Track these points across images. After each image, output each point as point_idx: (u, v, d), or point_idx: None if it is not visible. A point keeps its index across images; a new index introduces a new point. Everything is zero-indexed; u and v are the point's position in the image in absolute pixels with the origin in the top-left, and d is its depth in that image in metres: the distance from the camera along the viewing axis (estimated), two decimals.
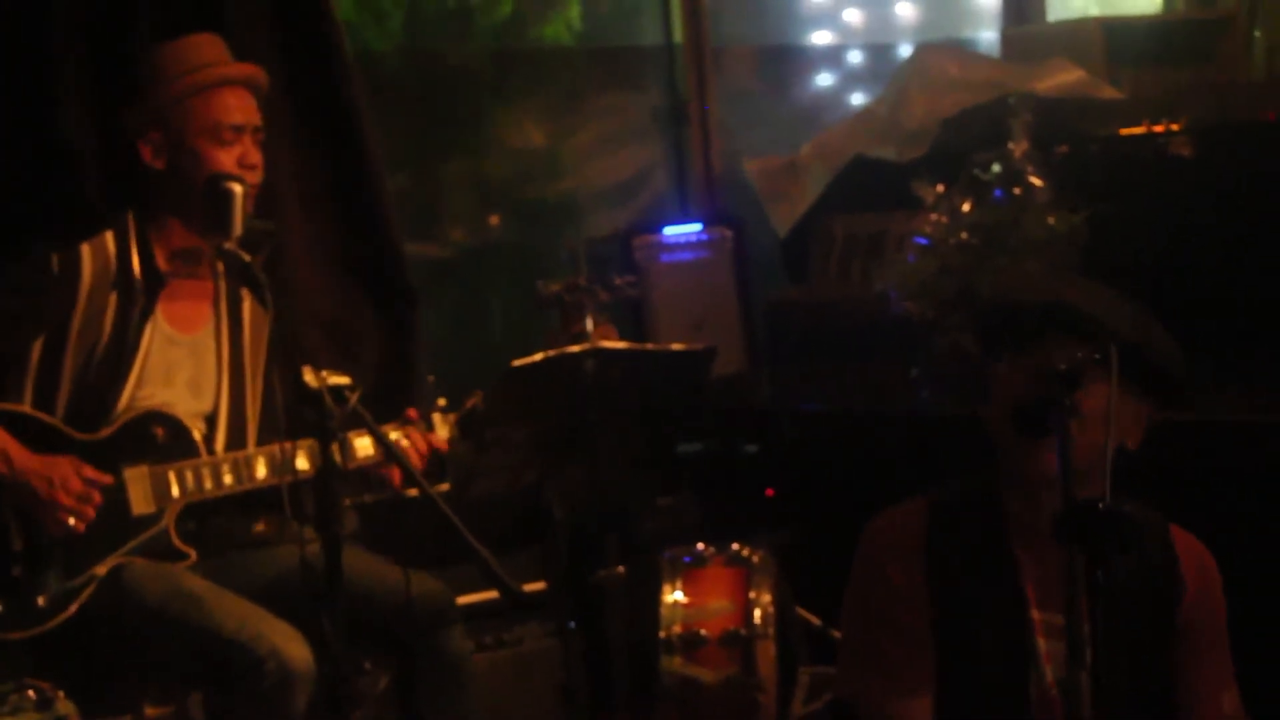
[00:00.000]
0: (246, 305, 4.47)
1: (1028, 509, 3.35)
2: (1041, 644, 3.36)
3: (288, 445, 4.13)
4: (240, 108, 4.36)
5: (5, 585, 4.05)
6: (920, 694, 3.38)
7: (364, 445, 4.32)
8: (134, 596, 4.12)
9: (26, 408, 4.19)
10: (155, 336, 4.31)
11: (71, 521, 4.06)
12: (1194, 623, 3.43)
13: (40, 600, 4.07)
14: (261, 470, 4.28)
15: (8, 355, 4.21)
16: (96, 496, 4.10)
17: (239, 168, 4.29)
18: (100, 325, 4.24)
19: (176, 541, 4.21)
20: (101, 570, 4.13)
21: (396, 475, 4.35)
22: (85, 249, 4.24)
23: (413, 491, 4.17)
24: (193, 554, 4.23)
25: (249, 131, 4.36)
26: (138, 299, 4.28)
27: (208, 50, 4.41)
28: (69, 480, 4.06)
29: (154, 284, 4.31)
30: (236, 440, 4.39)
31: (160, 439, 4.24)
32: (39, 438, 4.12)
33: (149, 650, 4.16)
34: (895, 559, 3.43)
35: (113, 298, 4.25)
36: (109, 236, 4.29)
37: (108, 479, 4.13)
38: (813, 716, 4.79)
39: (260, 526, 4.48)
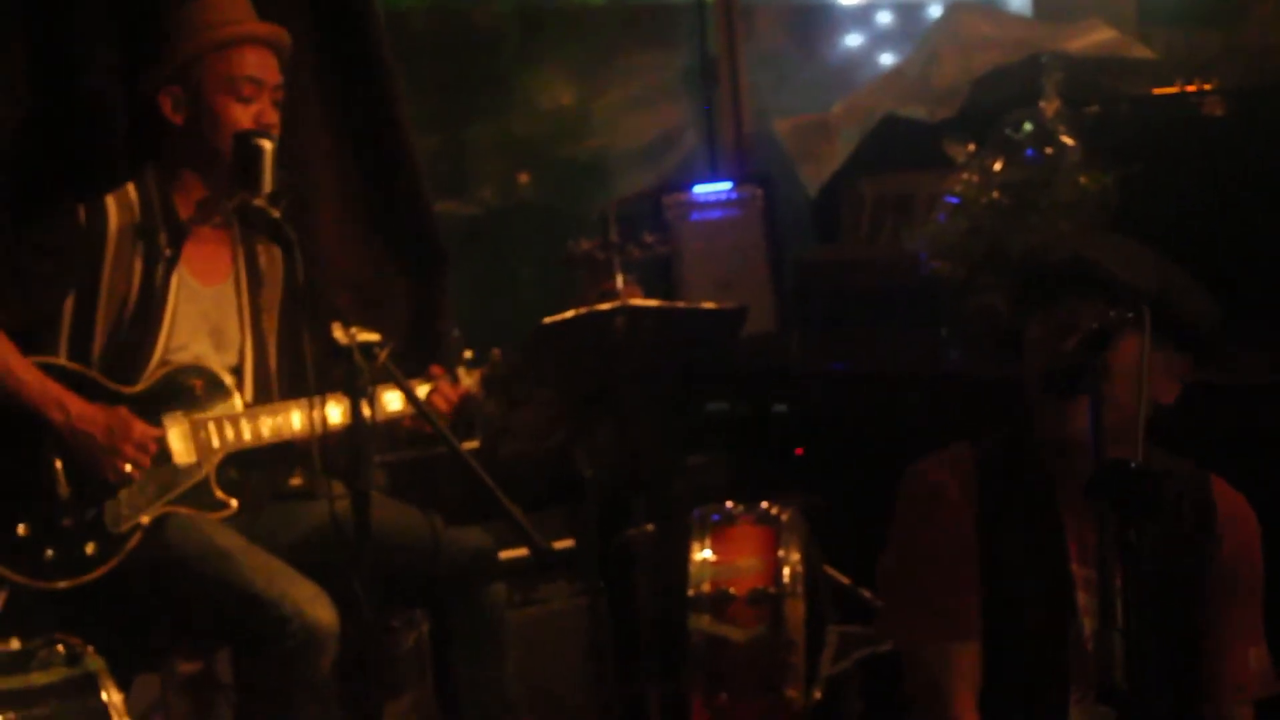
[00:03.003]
0: (264, 258, 4.48)
1: (1064, 467, 3.34)
2: (1081, 599, 3.36)
3: (320, 399, 4.13)
4: (259, 64, 4.35)
5: (55, 533, 4.08)
6: (968, 638, 3.38)
7: (393, 399, 4.33)
8: (171, 549, 4.14)
9: (63, 360, 4.20)
10: (181, 288, 4.32)
11: (129, 469, 4.09)
12: (1227, 575, 3.42)
13: (88, 548, 4.09)
14: (299, 422, 4.29)
15: (42, 315, 4.22)
16: (153, 446, 4.12)
17: (255, 126, 4.28)
18: (129, 277, 4.25)
19: (217, 491, 4.23)
20: (146, 519, 4.15)
21: (426, 427, 4.34)
22: (110, 200, 4.26)
23: (442, 449, 4.17)
24: (233, 504, 4.25)
25: (268, 89, 4.35)
26: (162, 249, 4.29)
27: (232, 8, 4.41)
28: (129, 427, 4.08)
29: (177, 234, 4.32)
30: (262, 392, 4.41)
31: (198, 391, 4.27)
32: (78, 391, 4.14)
33: (180, 603, 4.18)
34: (945, 503, 3.42)
35: (139, 248, 4.27)
36: (131, 187, 4.30)
37: (159, 431, 4.16)
38: (841, 675, 4.79)
39: (297, 479, 4.50)
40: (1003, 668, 3.38)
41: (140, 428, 4.12)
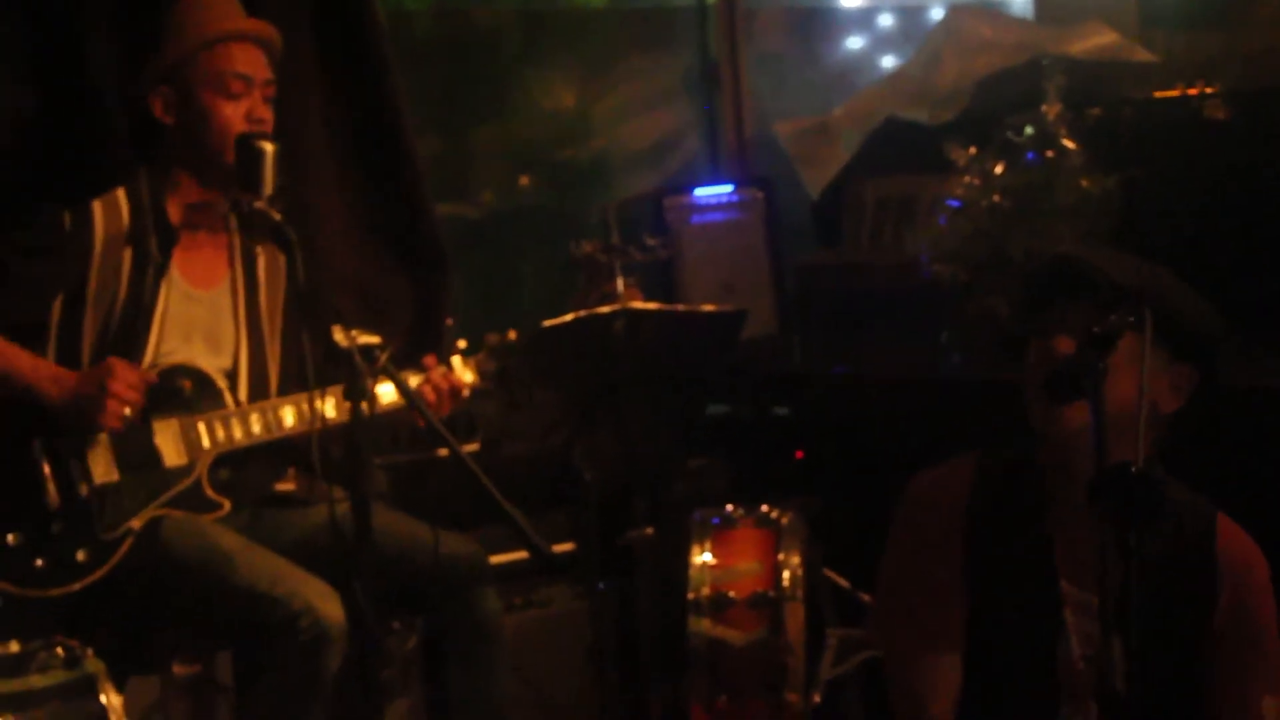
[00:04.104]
0: (262, 261, 4.46)
1: (1062, 477, 3.34)
2: (1070, 618, 3.35)
3: (315, 393, 4.12)
4: (247, 60, 4.34)
5: (44, 541, 4.06)
6: (948, 651, 3.38)
7: (388, 392, 4.29)
8: (169, 553, 4.13)
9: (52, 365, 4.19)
10: (172, 293, 4.30)
11: (127, 412, 4.06)
12: (1230, 624, 3.38)
13: (79, 555, 4.07)
14: (290, 419, 4.28)
15: (31, 321, 4.21)
16: (142, 383, 4.09)
17: (247, 122, 4.27)
18: (116, 282, 4.23)
19: (210, 492, 4.21)
20: (137, 524, 4.13)
21: (421, 422, 4.31)
22: (97, 205, 4.24)
23: (443, 452, 4.17)
24: (226, 504, 4.23)
25: (257, 85, 4.34)
26: (152, 254, 4.28)
27: (220, 6, 4.41)
28: (115, 369, 4.06)
29: (167, 239, 4.30)
30: (259, 395, 4.38)
31: (187, 391, 4.25)
32: None
33: (182, 606, 4.16)
34: (935, 515, 3.43)
35: (127, 253, 4.25)
36: (121, 193, 4.29)
37: (144, 372, 4.15)
38: (841, 679, 4.79)
39: (290, 483, 4.49)
40: (991, 683, 3.37)
41: (124, 367, 4.08)
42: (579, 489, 4.61)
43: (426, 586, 4.32)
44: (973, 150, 5.65)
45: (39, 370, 4.09)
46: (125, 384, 4.06)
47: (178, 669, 4.47)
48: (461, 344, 4.49)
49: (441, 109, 6.69)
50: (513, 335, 4.49)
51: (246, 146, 4.14)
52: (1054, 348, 3.26)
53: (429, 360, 4.40)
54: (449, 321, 4.73)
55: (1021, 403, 3.38)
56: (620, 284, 4.67)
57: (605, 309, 4.51)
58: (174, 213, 4.33)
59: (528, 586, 5.40)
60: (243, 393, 4.36)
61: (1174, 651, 3.33)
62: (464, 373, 4.45)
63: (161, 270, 4.29)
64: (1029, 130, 5.56)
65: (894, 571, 3.51)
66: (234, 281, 4.42)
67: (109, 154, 4.56)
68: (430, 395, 4.34)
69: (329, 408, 4.16)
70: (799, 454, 6.00)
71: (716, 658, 4.84)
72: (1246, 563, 3.43)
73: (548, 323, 4.41)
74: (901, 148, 6.36)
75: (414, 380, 4.33)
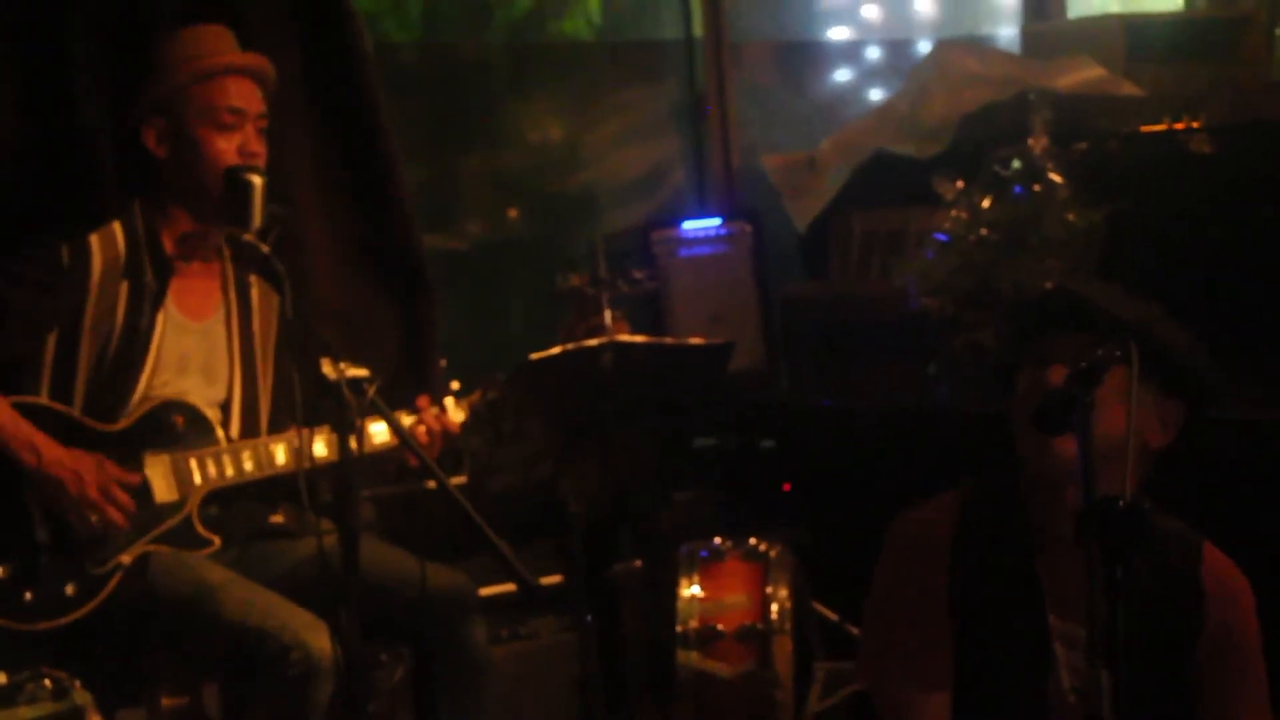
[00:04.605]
0: (255, 291, 4.48)
1: (1048, 510, 3.34)
2: (1058, 650, 3.36)
3: (306, 432, 4.12)
4: (240, 94, 4.34)
5: (34, 574, 4.05)
6: (937, 688, 3.37)
7: (380, 431, 4.31)
8: (158, 587, 4.12)
9: (44, 399, 4.18)
10: (167, 324, 4.31)
11: (95, 519, 4.06)
12: (1216, 652, 3.38)
13: (68, 589, 4.07)
14: (281, 457, 4.28)
15: (24, 352, 4.21)
16: (122, 495, 4.10)
17: (239, 156, 4.28)
18: (113, 316, 4.23)
19: (200, 528, 4.21)
20: (127, 559, 4.13)
21: (413, 460, 4.32)
22: (94, 239, 4.24)
23: (430, 484, 4.17)
24: (216, 541, 4.23)
25: (250, 119, 4.34)
26: (148, 287, 4.28)
27: (214, 40, 4.41)
28: (99, 476, 4.06)
29: (163, 270, 4.31)
30: (250, 427, 4.39)
31: (180, 427, 4.25)
32: (58, 430, 4.11)
33: (172, 640, 4.16)
34: (920, 552, 3.42)
35: (123, 287, 4.25)
36: (117, 226, 4.29)
37: (135, 478, 4.14)
38: (829, 712, 4.79)
39: (279, 517, 4.48)
40: (981, 718, 3.37)
41: (112, 475, 4.09)
42: (566, 521, 4.60)
43: (414, 618, 4.31)
44: (960, 184, 5.66)
45: (19, 434, 4.05)
46: (105, 496, 4.07)
47: (165, 701, 4.45)
48: (455, 385, 4.50)
49: (429, 140, 6.70)
50: (484, 386, 4.50)
51: (235, 179, 4.16)
52: (1044, 379, 3.27)
53: (422, 401, 4.40)
54: (443, 363, 4.73)
55: (1009, 434, 3.38)
56: (608, 316, 4.67)
57: (593, 342, 4.51)
58: (169, 244, 4.33)
59: (515, 618, 5.39)
60: (235, 427, 4.36)
61: (1161, 681, 3.33)
62: (456, 414, 4.45)
63: (158, 302, 4.29)
64: (1016, 164, 5.57)
65: (880, 609, 3.51)
66: (228, 311, 4.43)
67: (103, 187, 4.57)
68: (424, 436, 4.35)
69: (320, 446, 4.16)
70: (787, 486, 6.01)
71: (704, 690, 4.84)
72: (1231, 591, 3.43)
73: (535, 355, 4.40)
74: (889, 181, 6.36)
75: (407, 421, 4.34)
